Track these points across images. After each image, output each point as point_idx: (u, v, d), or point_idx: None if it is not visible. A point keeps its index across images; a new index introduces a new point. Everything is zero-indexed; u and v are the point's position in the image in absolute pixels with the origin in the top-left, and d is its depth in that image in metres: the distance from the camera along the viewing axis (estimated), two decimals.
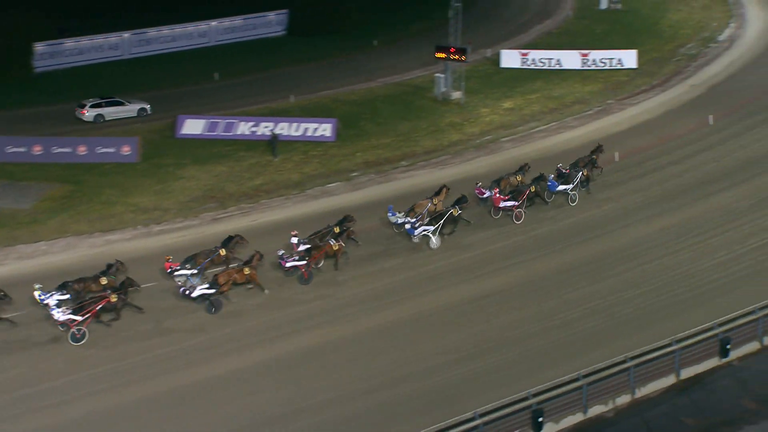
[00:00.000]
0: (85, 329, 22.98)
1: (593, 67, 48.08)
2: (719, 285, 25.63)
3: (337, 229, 26.82)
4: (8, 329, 23.31)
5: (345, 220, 27.26)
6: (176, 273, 24.95)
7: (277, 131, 37.35)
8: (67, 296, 23.27)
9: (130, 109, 40.02)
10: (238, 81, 45.09)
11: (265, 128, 37.35)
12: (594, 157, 32.65)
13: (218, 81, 45.52)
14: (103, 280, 23.99)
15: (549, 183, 30.99)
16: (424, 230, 27.97)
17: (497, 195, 29.78)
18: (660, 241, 28.44)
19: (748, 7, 59.68)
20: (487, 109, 42.18)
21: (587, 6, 61.37)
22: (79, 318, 22.64)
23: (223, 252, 25.61)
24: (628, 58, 48.31)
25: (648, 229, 29.44)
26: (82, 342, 22.87)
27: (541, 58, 48.73)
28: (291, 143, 37.06)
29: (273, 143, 36.10)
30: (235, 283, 24.45)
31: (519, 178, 31.17)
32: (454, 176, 34.12)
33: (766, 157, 35.13)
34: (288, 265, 25.76)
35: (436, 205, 29.10)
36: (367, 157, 36.22)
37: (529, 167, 31.81)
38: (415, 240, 28.15)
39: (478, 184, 30.86)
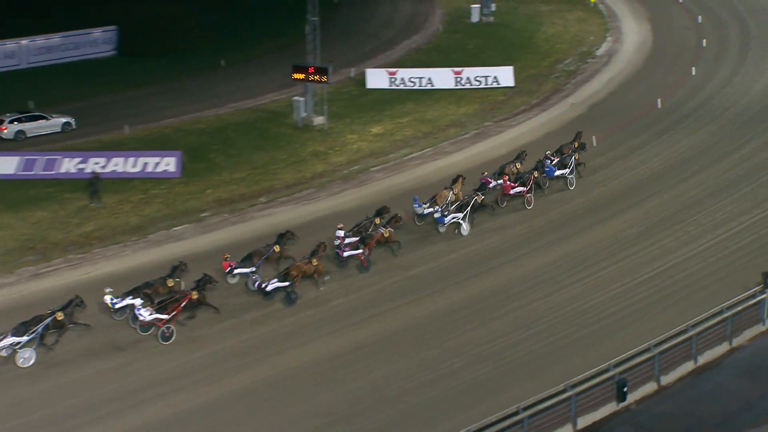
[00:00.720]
0: (173, 327, 25.70)
1: (468, 85, 49.73)
2: (613, 321, 26.60)
3: (378, 220, 30.85)
4: (83, 334, 25.64)
5: (383, 211, 31.23)
6: (234, 272, 28.40)
7: (111, 168, 36.20)
8: (139, 300, 25.97)
9: (54, 124, 41.00)
10: (60, 110, 43.52)
11: (95, 164, 36.26)
12: (582, 141, 37.71)
13: (34, 110, 43.71)
14: (170, 282, 27.02)
15: (546, 169, 35.48)
16: (454, 218, 32.13)
17: (508, 182, 34.00)
18: (549, 276, 29.37)
19: (624, 20, 64.08)
20: (354, 135, 42.61)
21: (458, 19, 63.68)
22: (166, 316, 25.66)
23: (277, 248, 29.23)
24: (505, 76, 50.37)
25: (535, 262, 30.40)
26: (171, 340, 25.63)
27: (410, 77, 49.84)
28: (128, 181, 36.06)
29: (94, 185, 34.56)
30: (304, 275, 28.07)
31: (518, 165, 35.64)
32: (321, 212, 34.17)
33: (651, 180, 37.24)
34: (346, 255, 29.63)
35: (456, 194, 33.11)
36: (219, 194, 35.77)
37: (526, 155, 36.52)
38: (442, 230, 32.00)
39: (485, 174, 34.74)
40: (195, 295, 26.32)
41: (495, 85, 50.01)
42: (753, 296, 26.14)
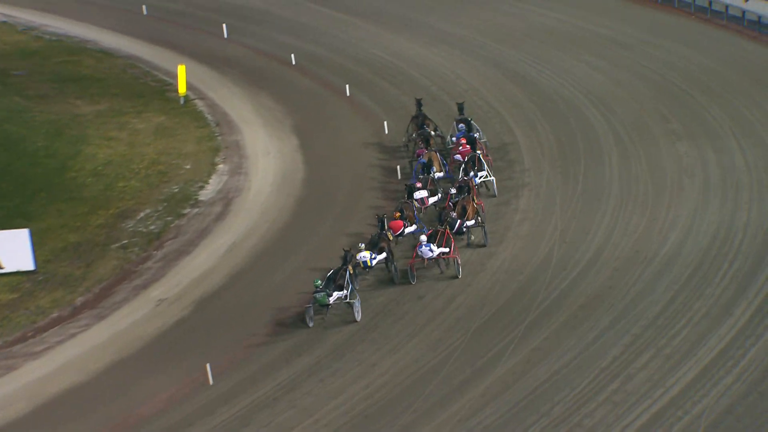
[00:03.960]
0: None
1: None
2: None
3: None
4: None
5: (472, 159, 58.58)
6: (405, 231, 53.35)
7: None
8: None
9: None
10: None
11: None
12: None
13: None
14: (390, 236, 51.09)
15: (458, 134, 62.70)
16: (481, 176, 57.79)
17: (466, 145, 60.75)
18: None
19: (247, 130, 67.34)
20: None
21: None
22: (447, 249, 50.02)
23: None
24: (14, 250, 50.60)
25: None
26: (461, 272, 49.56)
27: None
28: None
29: None
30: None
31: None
32: None
33: None
34: (477, 181, 57.27)
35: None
36: None
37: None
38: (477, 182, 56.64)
39: (420, 147, 60.60)
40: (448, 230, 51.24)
41: None
42: None
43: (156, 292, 49.58)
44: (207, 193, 59.26)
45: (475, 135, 61.36)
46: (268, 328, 45.97)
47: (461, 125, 62.36)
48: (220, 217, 56.63)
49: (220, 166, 62.58)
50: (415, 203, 54.14)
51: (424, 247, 48.73)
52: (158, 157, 63.18)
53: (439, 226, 51.20)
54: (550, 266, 50.14)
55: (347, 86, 73.09)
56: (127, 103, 70.49)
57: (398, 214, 52.16)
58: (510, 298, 47.57)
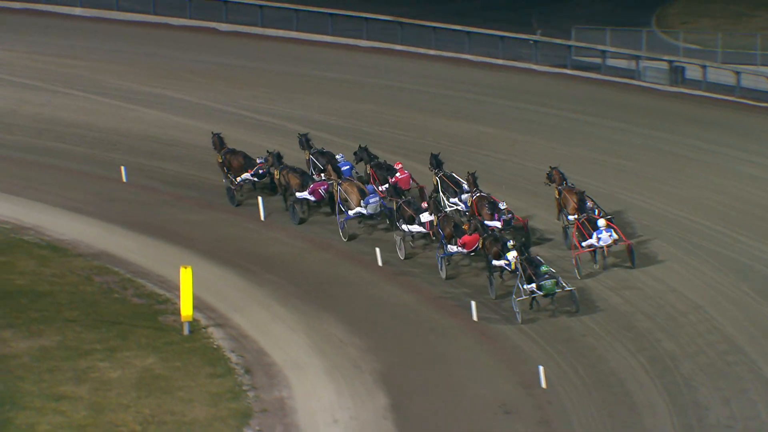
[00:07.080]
0: None
1: None
2: None
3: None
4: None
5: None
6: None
7: None
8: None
9: None
10: None
11: None
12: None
13: None
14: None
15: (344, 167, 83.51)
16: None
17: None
18: None
19: (299, 384, 62.70)
20: None
21: None
22: (617, 235, 72.77)
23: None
24: None
25: None
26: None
27: None
28: None
29: None
30: None
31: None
32: None
33: None
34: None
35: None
36: None
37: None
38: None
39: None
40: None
41: None
42: None
43: None
44: None
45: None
46: None
47: (339, 154, 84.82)
48: None
49: None
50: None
51: (604, 232, 66.58)
52: (144, 430, 58.45)
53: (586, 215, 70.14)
54: None
55: (473, 304, 68.14)
56: (91, 335, 66.27)
57: (466, 226, 69.57)
58: None
